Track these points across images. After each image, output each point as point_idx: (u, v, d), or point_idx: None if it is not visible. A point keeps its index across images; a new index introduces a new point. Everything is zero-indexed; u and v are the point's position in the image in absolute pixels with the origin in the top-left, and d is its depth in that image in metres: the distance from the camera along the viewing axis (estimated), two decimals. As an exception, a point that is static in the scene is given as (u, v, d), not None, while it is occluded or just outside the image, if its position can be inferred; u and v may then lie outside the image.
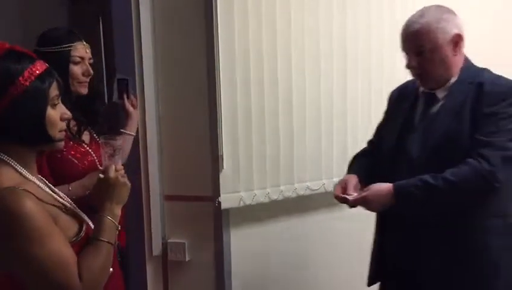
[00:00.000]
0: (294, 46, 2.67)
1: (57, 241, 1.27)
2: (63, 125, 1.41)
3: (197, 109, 2.56)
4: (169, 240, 2.65)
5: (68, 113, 1.42)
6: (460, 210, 1.85)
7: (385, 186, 1.88)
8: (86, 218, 1.46)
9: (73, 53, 2.06)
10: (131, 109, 2.36)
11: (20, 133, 1.33)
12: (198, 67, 2.53)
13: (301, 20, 2.68)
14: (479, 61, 1.99)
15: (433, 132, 1.90)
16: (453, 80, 1.93)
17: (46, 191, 1.39)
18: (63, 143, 1.44)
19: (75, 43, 2.07)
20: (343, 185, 1.99)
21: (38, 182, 1.38)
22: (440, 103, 1.93)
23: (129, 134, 2.34)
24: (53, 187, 1.46)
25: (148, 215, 2.62)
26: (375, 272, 2.12)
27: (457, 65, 1.93)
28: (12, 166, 1.33)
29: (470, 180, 1.79)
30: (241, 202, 2.58)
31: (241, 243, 2.67)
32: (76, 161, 2.02)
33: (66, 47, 2.05)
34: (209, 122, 2.53)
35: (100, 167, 1.92)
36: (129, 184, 1.49)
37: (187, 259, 2.64)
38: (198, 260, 2.64)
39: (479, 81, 1.88)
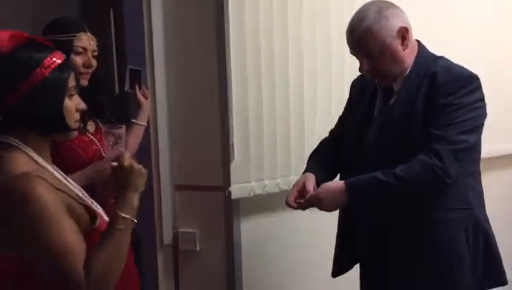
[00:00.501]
0: (305, 34, 2.68)
1: (65, 229, 1.27)
2: (78, 116, 1.42)
3: (207, 99, 2.56)
4: (180, 230, 2.67)
5: (83, 104, 1.43)
6: (418, 204, 1.84)
7: (336, 185, 1.87)
8: (99, 208, 1.46)
9: (76, 43, 2.03)
10: (142, 99, 2.35)
11: (37, 121, 1.34)
12: (209, 59, 2.53)
13: (312, 14, 2.69)
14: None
15: (389, 125, 1.88)
16: (408, 70, 1.89)
17: (60, 180, 1.39)
18: (77, 133, 1.46)
19: (79, 33, 2.05)
20: (299, 188, 1.98)
21: (52, 170, 1.39)
22: (396, 96, 1.91)
23: (140, 124, 2.34)
24: (66, 176, 1.46)
25: (159, 204, 2.63)
26: (340, 263, 2.13)
27: (409, 57, 1.89)
28: (27, 153, 1.34)
29: (420, 176, 1.76)
30: (252, 192, 2.57)
31: (252, 233, 2.67)
32: (79, 150, 2.02)
33: (69, 36, 2.02)
34: (220, 112, 2.53)
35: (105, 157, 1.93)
36: (144, 171, 1.42)
37: (198, 248, 2.66)
38: (209, 249, 2.65)
39: (432, 71, 1.83)
